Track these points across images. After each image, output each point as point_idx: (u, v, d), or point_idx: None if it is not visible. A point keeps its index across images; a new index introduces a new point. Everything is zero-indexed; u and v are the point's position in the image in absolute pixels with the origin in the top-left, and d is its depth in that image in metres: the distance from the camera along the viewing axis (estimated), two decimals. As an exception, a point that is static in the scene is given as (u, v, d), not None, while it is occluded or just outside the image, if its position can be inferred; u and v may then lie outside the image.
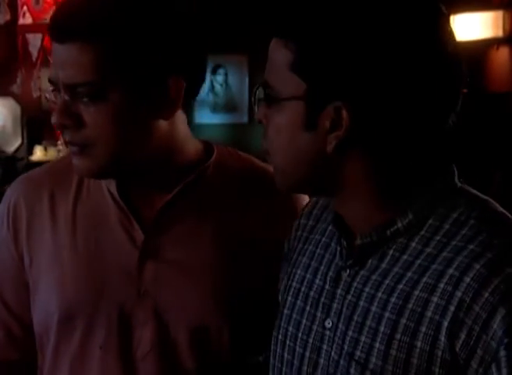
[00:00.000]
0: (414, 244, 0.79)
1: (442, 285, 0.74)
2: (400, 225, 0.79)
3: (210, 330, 1.04)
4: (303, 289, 0.89)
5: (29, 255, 1.10)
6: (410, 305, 0.76)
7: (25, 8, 2.18)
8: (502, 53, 4.37)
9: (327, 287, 0.85)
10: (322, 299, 0.85)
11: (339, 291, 0.83)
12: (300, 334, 0.87)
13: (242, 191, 1.08)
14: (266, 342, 1.00)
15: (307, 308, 0.87)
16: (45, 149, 4.16)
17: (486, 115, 4.07)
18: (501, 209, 0.80)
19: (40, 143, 3.97)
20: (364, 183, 0.80)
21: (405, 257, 0.79)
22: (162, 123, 1.02)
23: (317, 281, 0.87)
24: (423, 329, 0.75)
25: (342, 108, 0.75)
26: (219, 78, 4.44)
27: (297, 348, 0.87)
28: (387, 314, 0.78)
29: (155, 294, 1.03)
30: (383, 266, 0.80)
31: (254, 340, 1.06)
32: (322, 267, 0.87)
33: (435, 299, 0.74)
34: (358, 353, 0.79)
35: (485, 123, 4.05)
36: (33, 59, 2.33)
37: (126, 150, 1.01)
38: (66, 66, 0.96)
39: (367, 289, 0.80)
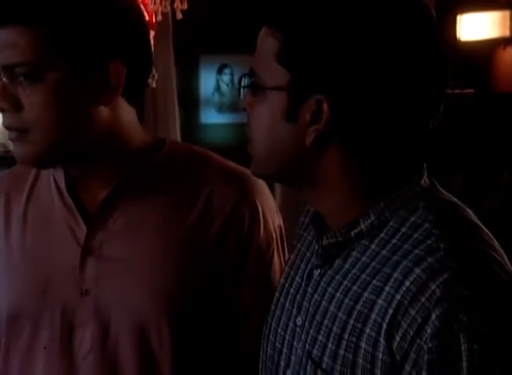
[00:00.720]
0: (373, 247, 0.79)
1: (387, 288, 0.75)
2: (362, 226, 0.79)
3: (150, 330, 1.02)
4: (286, 285, 0.91)
5: None
6: (358, 307, 0.77)
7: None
8: (509, 53, 4.35)
9: (303, 284, 0.86)
10: (298, 296, 0.86)
11: (309, 290, 0.84)
12: (279, 330, 0.89)
13: (186, 187, 1.06)
14: (211, 345, 1.01)
15: (286, 304, 0.88)
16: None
17: (493, 115, 4.05)
18: (466, 215, 0.79)
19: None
20: (338, 179, 0.80)
21: (364, 259, 0.79)
22: (103, 110, 1.01)
23: (296, 278, 0.88)
24: (367, 330, 0.75)
25: (323, 101, 0.76)
26: (225, 78, 4.43)
27: (277, 344, 0.88)
28: (340, 314, 0.78)
29: (97, 292, 1.02)
30: (346, 266, 0.81)
31: (199, 343, 1.04)
32: (302, 265, 0.89)
33: (379, 301, 0.75)
34: (315, 351, 0.81)
35: (491, 122, 4.04)
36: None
37: (64, 135, 0.99)
38: (5, 48, 0.96)
39: (329, 289, 0.81)
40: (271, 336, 0.90)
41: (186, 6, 1.78)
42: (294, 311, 0.86)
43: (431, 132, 0.81)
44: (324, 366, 0.79)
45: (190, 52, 3.99)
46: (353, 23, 0.76)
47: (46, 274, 1.06)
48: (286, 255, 1.11)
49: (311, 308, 0.83)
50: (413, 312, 0.72)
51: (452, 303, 0.70)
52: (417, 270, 0.73)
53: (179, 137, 3.71)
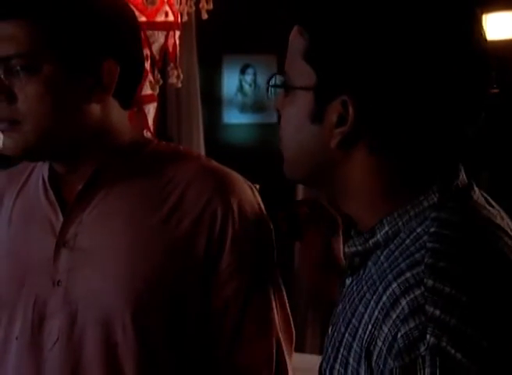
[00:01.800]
0: (382, 258, 0.76)
1: (372, 302, 0.72)
2: (378, 236, 0.77)
3: (114, 324, 1.02)
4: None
5: None
6: (353, 320, 0.74)
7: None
8: (535, 52, 4.29)
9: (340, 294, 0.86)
10: (337, 306, 0.85)
11: (339, 300, 0.83)
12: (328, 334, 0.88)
13: (162, 182, 1.07)
14: (181, 345, 0.99)
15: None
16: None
17: (519, 115, 4.00)
18: (471, 229, 0.72)
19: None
20: (361, 183, 0.78)
21: (372, 270, 0.76)
22: (94, 107, 1.04)
23: (340, 286, 0.88)
24: (354, 345, 0.73)
25: (348, 102, 0.74)
26: (248, 78, 4.43)
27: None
28: (342, 328, 0.76)
29: (67, 284, 1.04)
30: (362, 277, 0.78)
31: (166, 341, 1.03)
32: (345, 274, 0.87)
33: (365, 316, 0.72)
34: (324, 364, 0.80)
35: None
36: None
37: (55, 128, 1.01)
38: (2, 40, 0.99)
39: (346, 300, 0.79)
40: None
41: (211, 6, 1.78)
42: (331, 320, 0.85)
43: (468, 138, 0.77)
44: None
45: (213, 52, 3.99)
46: (380, 23, 0.74)
47: (24, 266, 1.08)
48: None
49: (335, 320, 0.82)
50: (385, 330, 0.68)
51: (419, 322, 0.66)
52: (394, 284, 0.70)
53: (202, 137, 3.72)
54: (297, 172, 0.84)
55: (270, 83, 0.83)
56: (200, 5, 1.80)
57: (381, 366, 0.68)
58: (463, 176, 0.79)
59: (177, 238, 1.04)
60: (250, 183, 1.12)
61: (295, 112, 0.80)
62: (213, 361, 1.08)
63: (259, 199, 1.12)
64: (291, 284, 3.67)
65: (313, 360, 2.66)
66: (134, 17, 1.13)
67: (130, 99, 1.11)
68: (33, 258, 1.08)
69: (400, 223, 0.76)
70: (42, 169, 1.13)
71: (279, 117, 0.83)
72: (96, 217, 1.06)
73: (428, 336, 0.65)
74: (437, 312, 0.65)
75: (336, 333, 0.79)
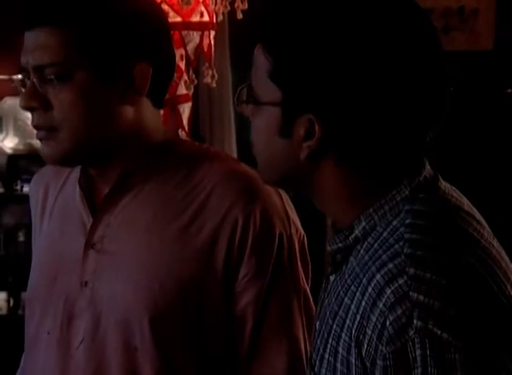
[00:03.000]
0: (361, 251, 0.79)
1: (357, 293, 0.75)
2: (357, 231, 0.80)
3: (133, 326, 1.02)
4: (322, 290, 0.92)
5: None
6: (340, 312, 0.77)
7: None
8: None
9: (322, 290, 0.89)
10: (319, 302, 0.89)
11: (324, 296, 0.86)
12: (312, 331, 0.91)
13: (186, 186, 1.07)
14: (199, 350, 1.01)
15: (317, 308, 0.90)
16: None
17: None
18: (460, 221, 0.77)
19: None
20: (336, 189, 0.81)
21: (354, 264, 0.80)
22: (128, 109, 1.04)
23: (324, 283, 0.90)
24: (343, 335, 0.76)
25: (314, 120, 0.77)
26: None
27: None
28: (330, 320, 0.79)
29: (94, 285, 1.06)
30: (345, 272, 0.81)
31: (183, 346, 1.03)
32: (328, 271, 0.89)
33: (352, 306, 0.75)
34: (314, 356, 0.83)
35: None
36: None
37: (91, 133, 1.03)
38: (35, 49, 1.00)
39: (331, 295, 0.82)
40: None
41: (246, 6, 1.78)
42: (316, 316, 0.88)
43: (430, 138, 0.81)
44: (316, 369, 0.82)
45: (245, 53, 4.00)
46: (339, 46, 0.76)
47: (57, 263, 1.11)
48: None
49: (321, 314, 0.85)
50: (374, 318, 0.72)
51: (405, 308, 0.70)
52: (378, 275, 0.73)
53: (234, 138, 3.73)
54: (270, 177, 0.88)
55: (240, 97, 0.86)
56: (236, 5, 1.81)
57: (372, 353, 0.72)
58: (428, 168, 0.83)
59: (197, 245, 1.04)
60: (278, 189, 1.10)
61: (264, 124, 0.83)
62: (232, 369, 1.08)
63: (287, 205, 1.10)
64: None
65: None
66: (164, 17, 1.13)
67: (162, 98, 1.11)
68: (66, 257, 1.10)
69: (376, 218, 0.80)
70: (79, 168, 1.15)
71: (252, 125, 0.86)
72: (121, 221, 1.07)
73: (415, 320, 0.69)
74: (421, 298, 0.70)
75: (323, 326, 0.82)
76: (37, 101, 1.01)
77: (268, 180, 0.89)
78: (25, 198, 4.59)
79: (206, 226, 1.04)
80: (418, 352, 0.69)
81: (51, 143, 1.03)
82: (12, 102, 4.15)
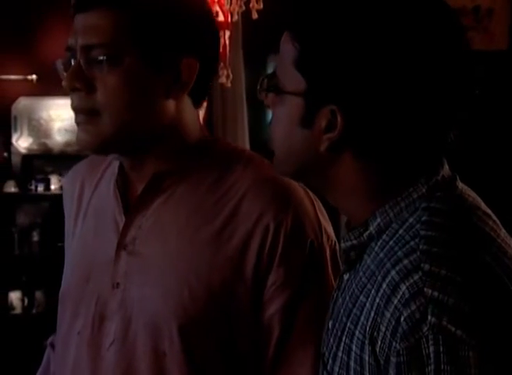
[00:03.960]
0: (376, 249, 0.79)
1: (373, 291, 0.75)
2: (371, 228, 0.80)
3: (162, 330, 1.03)
4: (335, 288, 0.92)
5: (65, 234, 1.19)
6: (354, 309, 0.77)
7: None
8: None
9: (336, 289, 0.89)
10: (332, 301, 0.88)
11: (338, 294, 0.86)
12: (323, 333, 0.90)
13: (219, 191, 1.05)
14: (227, 355, 1.00)
15: (330, 308, 0.89)
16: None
17: None
18: (476, 220, 0.76)
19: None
20: (354, 183, 0.80)
21: (368, 261, 0.79)
22: (170, 104, 1.03)
23: (337, 282, 0.90)
24: (357, 332, 0.75)
25: (337, 112, 0.76)
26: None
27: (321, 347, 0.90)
28: (344, 318, 0.79)
29: (125, 287, 1.05)
30: (359, 270, 0.81)
31: (212, 351, 1.02)
32: (342, 269, 0.89)
33: (367, 304, 0.75)
34: (326, 354, 0.82)
35: None
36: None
37: (131, 121, 1.01)
38: (85, 30, 0.99)
39: (345, 294, 0.82)
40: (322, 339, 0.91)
41: (261, 6, 1.78)
42: (329, 315, 0.88)
43: (451, 137, 0.80)
44: (328, 367, 0.81)
45: (259, 53, 3.99)
46: (367, 36, 0.76)
47: (90, 263, 1.10)
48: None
49: (335, 313, 0.85)
50: (388, 315, 0.72)
51: (420, 304, 0.70)
52: (393, 272, 0.73)
53: (247, 137, 3.73)
54: (286, 169, 0.87)
55: (263, 86, 0.85)
56: (251, 5, 1.81)
57: (386, 350, 0.71)
58: (447, 168, 0.83)
59: (228, 252, 1.02)
60: (312, 195, 1.08)
61: (285, 114, 0.82)
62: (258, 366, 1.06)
63: (319, 212, 1.08)
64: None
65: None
66: (214, 18, 1.13)
67: (202, 99, 1.10)
68: (99, 257, 1.09)
69: (392, 214, 0.79)
70: (115, 165, 1.13)
71: (271, 116, 0.86)
72: (153, 223, 1.05)
73: (429, 316, 0.69)
74: (435, 294, 0.70)
75: (337, 324, 0.82)
76: (81, 82, 0.99)
77: (283, 171, 0.88)
78: (39, 198, 4.61)
79: (237, 233, 1.02)
80: (432, 349, 0.68)
81: (89, 128, 1.01)
82: (26, 102, 4.18)
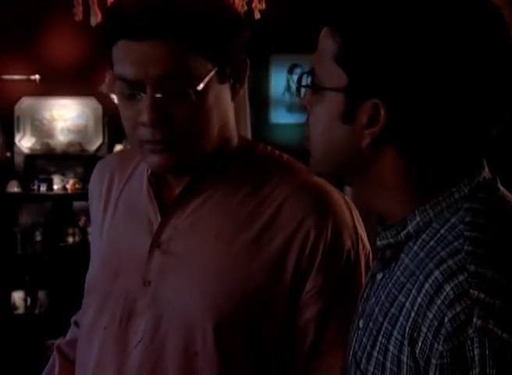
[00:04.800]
0: (415, 248, 0.78)
1: (413, 291, 0.73)
2: (410, 227, 0.78)
3: (195, 331, 1.02)
4: (364, 288, 0.91)
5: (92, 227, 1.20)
6: (392, 309, 0.76)
7: (113, 9, 2.24)
8: None
9: (367, 288, 0.87)
10: (363, 300, 0.87)
11: (371, 293, 0.84)
12: (352, 332, 0.88)
13: (258, 195, 1.04)
14: (260, 356, 1.00)
15: (359, 307, 0.88)
16: (125, 148, 4.26)
17: None
18: (504, 218, 0.75)
19: (120, 142, 4.06)
20: (393, 180, 0.79)
21: (406, 261, 0.78)
22: (231, 108, 1.04)
23: (369, 281, 0.89)
24: (395, 333, 0.74)
25: (380, 105, 0.75)
26: (296, 78, 4.43)
27: (348, 346, 0.89)
28: (380, 317, 0.78)
29: (157, 285, 1.04)
30: (396, 269, 0.80)
31: (246, 352, 1.02)
32: (374, 268, 0.88)
33: (406, 304, 0.73)
34: (359, 353, 0.81)
35: None
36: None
37: (206, 144, 1.01)
38: (153, 60, 0.95)
39: (381, 293, 0.80)
40: (348, 337, 0.90)
41: (264, 6, 1.78)
42: (359, 314, 0.87)
43: (493, 137, 0.79)
44: (361, 366, 0.80)
45: (261, 52, 3.99)
46: (411, 30, 0.75)
47: (119, 259, 1.10)
48: None
49: (366, 312, 0.83)
50: (430, 316, 0.70)
51: (465, 306, 0.68)
52: (436, 272, 0.72)
53: (249, 137, 3.73)
54: (325, 168, 0.85)
55: (301, 83, 0.84)
56: (253, 5, 1.81)
57: (426, 352, 0.70)
58: (487, 170, 0.82)
59: (266, 258, 1.02)
60: (349, 202, 1.09)
61: (325, 111, 0.81)
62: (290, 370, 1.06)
63: (356, 220, 1.08)
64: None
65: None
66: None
67: (235, 98, 1.09)
68: (130, 254, 1.09)
69: (432, 214, 0.78)
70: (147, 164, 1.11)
71: (308, 115, 0.85)
72: (190, 224, 1.05)
73: (474, 319, 0.67)
74: (482, 296, 0.68)
75: (371, 323, 0.80)
76: (162, 116, 0.97)
77: (320, 171, 0.87)
78: (42, 198, 4.60)
79: (276, 240, 1.02)
80: (477, 351, 0.67)
81: (165, 154, 1.00)
82: (29, 102, 4.19)
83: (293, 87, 4.51)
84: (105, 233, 1.15)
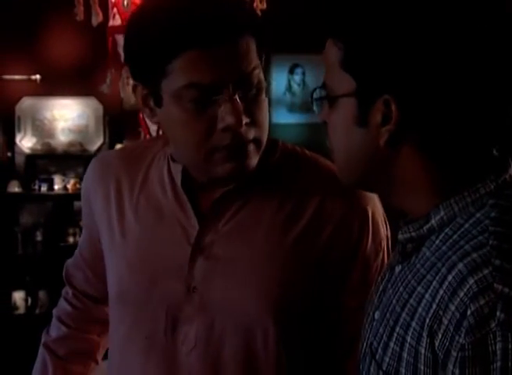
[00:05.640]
0: (437, 242, 0.78)
1: (434, 282, 0.73)
2: (433, 221, 0.79)
3: (255, 331, 1.04)
4: (379, 280, 0.91)
5: (98, 231, 1.16)
6: (411, 300, 0.76)
7: (115, 9, 2.23)
8: None
9: (385, 280, 0.87)
10: (380, 292, 0.87)
11: (388, 285, 0.85)
12: (366, 323, 0.89)
13: (297, 193, 1.07)
14: (312, 347, 1.01)
15: (374, 298, 0.89)
16: (122, 149, 4.25)
17: None
18: None
19: (120, 142, 4.06)
20: (415, 176, 0.79)
21: (428, 254, 0.78)
22: None
23: (387, 274, 0.89)
24: (413, 324, 0.74)
25: (390, 101, 0.76)
26: (297, 78, 4.43)
27: (362, 337, 0.90)
28: (397, 308, 0.78)
29: (203, 290, 1.04)
30: (416, 262, 0.80)
31: (301, 344, 1.05)
32: (392, 260, 0.89)
33: (426, 295, 0.74)
34: (375, 343, 0.81)
35: None
36: (122, 60, 2.38)
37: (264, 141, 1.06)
38: (231, 63, 0.96)
39: (400, 285, 0.81)
40: (363, 329, 0.91)
41: (265, 5, 1.78)
42: (375, 305, 0.87)
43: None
44: (377, 357, 0.80)
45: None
46: (410, 22, 0.75)
47: (154, 267, 1.08)
48: None
49: (383, 303, 0.84)
50: (452, 308, 0.70)
51: (489, 299, 0.68)
52: (460, 265, 0.72)
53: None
54: (351, 176, 0.86)
55: (314, 97, 0.85)
56: (255, 5, 1.81)
57: (446, 344, 0.70)
58: None
59: (313, 250, 1.05)
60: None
61: (340, 119, 0.82)
62: (330, 368, 1.10)
63: (383, 210, 1.12)
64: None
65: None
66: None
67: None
68: (164, 261, 1.07)
69: (456, 209, 0.78)
70: (170, 167, 1.10)
71: (327, 128, 0.85)
72: (233, 227, 1.05)
73: (498, 312, 0.67)
74: (506, 290, 0.68)
75: (388, 314, 0.80)
76: (248, 116, 0.99)
77: (348, 180, 0.87)
78: (42, 198, 4.59)
79: (322, 233, 1.05)
80: (499, 345, 0.67)
81: (256, 156, 1.02)
82: (30, 102, 4.19)
83: (294, 86, 4.51)
84: (131, 239, 1.11)
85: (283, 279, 1.04)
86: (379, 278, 0.92)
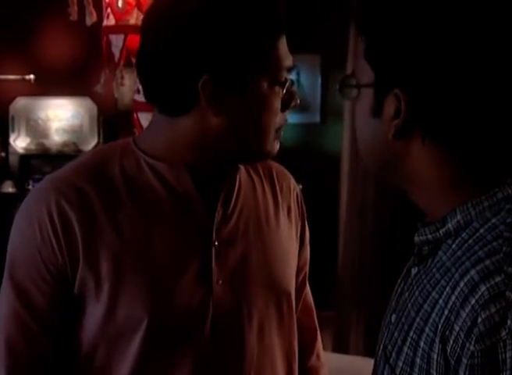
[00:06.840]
0: (453, 246, 0.77)
1: (447, 288, 0.73)
2: (449, 225, 0.78)
3: (281, 297, 1.17)
4: (398, 281, 0.91)
5: (89, 264, 1.01)
6: (425, 305, 0.76)
7: (109, 10, 2.23)
8: None
9: (402, 282, 0.87)
10: (397, 294, 0.87)
11: (405, 288, 0.84)
12: (383, 325, 0.89)
13: (272, 184, 1.22)
14: None
15: (392, 301, 0.89)
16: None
17: None
18: None
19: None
20: (428, 173, 0.79)
21: (444, 258, 0.78)
22: None
23: (404, 275, 0.89)
24: (426, 329, 0.74)
25: (400, 95, 0.76)
26: (292, 78, 4.43)
27: (379, 340, 0.90)
28: (412, 312, 0.78)
29: (227, 283, 1.11)
30: (431, 266, 0.80)
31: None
32: (410, 263, 0.88)
33: (440, 301, 0.73)
34: (389, 347, 0.81)
35: None
36: (116, 60, 2.38)
37: None
38: (288, 51, 1.10)
39: (415, 288, 0.81)
40: (380, 331, 0.90)
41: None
42: (392, 308, 0.87)
43: None
44: (391, 361, 0.80)
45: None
46: (427, 20, 0.75)
47: (176, 278, 1.05)
48: None
49: (399, 307, 0.84)
50: (464, 315, 0.70)
51: (500, 307, 0.67)
52: (473, 271, 0.71)
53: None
54: (371, 167, 0.86)
55: (342, 84, 0.86)
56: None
57: (457, 351, 0.69)
58: None
59: (292, 227, 1.23)
60: None
61: (360, 108, 0.83)
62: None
63: None
64: (335, 285, 3.64)
65: (356, 361, 2.63)
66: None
67: None
68: (188, 261, 1.05)
69: (473, 213, 0.77)
70: (140, 174, 1.06)
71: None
72: (239, 215, 1.13)
73: (509, 321, 0.67)
74: None
75: (403, 318, 0.80)
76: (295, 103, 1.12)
77: (370, 168, 0.87)
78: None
79: (291, 209, 1.23)
80: (509, 354, 0.66)
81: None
82: (24, 102, 4.18)
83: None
84: (141, 254, 1.03)
85: (294, 252, 1.21)
86: (398, 280, 0.91)
